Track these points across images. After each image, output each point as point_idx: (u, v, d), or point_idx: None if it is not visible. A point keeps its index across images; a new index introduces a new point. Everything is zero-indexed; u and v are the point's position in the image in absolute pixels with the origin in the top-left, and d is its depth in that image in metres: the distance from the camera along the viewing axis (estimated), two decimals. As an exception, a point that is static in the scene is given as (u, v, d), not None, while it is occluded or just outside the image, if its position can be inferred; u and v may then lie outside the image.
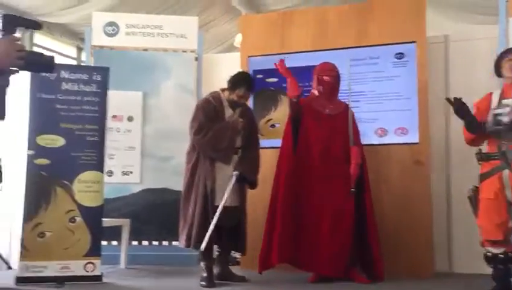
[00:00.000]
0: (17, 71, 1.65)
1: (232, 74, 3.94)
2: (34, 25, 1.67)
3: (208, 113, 3.81)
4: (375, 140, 4.40)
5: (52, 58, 1.72)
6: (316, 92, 4.04)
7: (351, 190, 3.79)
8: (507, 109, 3.13)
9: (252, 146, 3.98)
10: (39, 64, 1.68)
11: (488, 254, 3.20)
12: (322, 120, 3.97)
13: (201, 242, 3.58)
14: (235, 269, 4.05)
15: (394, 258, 4.10)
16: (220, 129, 3.78)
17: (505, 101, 3.20)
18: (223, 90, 3.97)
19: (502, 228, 3.13)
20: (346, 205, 3.78)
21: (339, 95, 4.11)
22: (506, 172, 3.12)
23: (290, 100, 3.95)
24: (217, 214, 3.60)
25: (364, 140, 4.13)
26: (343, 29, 4.58)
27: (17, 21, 1.72)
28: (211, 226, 3.58)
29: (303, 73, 4.29)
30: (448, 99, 3.33)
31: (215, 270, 3.93)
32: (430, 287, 3.73)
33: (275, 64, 3.96)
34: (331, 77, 3.99)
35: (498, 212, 3.14)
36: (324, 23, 4.66)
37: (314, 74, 4.09)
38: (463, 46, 4.54)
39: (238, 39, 6.09)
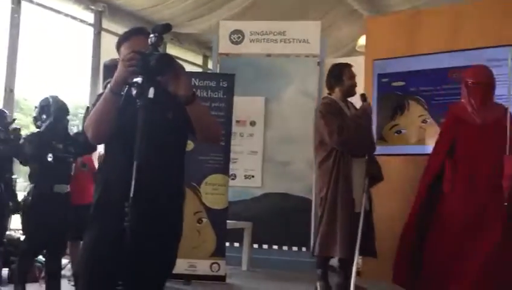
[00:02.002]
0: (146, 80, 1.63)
1: (325, 78, 3.89)
2: (163, 29, 1.69)
3: (336, 114, 3.74)
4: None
5: (163, 56, 1.63)
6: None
7: (504, 204, 3.39)
8: None
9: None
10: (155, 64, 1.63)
11: None
12: (474, 132, 3.49)
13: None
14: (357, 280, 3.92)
15: None
16: (356, 121, 3.69)
17: None
18: (330, 94, 3.88)
19: None
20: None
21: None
22: None
23: None
24: (361, 220, 3.51)
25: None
26: (481, 27, 4.22)
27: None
28: (359, 235, 3.50)
29: (434, 76, 4.02)
30: None
31: (337, 279, 3.84)
32: None
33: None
34: (483, 83, 3.55)
35: None
36: (459, 21, 4.33)
37: (463, 79, 3.69)
38: None
39: (361, 42, 5.93)
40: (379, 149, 4.55)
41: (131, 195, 1.53)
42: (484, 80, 3.46)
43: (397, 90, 4.57)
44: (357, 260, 3.67)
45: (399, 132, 4.55)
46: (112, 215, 1.65)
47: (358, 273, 4.29)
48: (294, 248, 4.99)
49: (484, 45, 4.16)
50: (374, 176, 3.71)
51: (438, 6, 4.46)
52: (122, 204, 1.55)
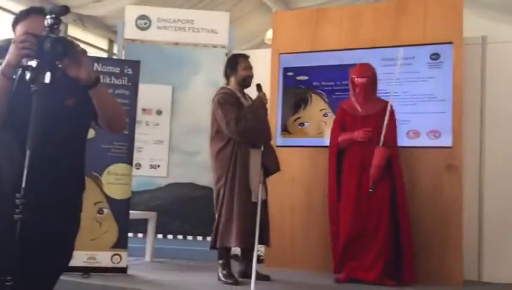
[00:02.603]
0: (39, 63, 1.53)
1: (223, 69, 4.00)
2: (60, 11, 1.60)
3: (234, 104, 3.79)
4: (407, 142, 4.31)
5: (59, 39, 1.54)
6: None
7: (369, 189, 3.80)
8: None
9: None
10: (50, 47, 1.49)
11: None
12: (357, 122, 3.95)
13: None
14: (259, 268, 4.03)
15: (423, 263, 4.02)
16: (254, 111, 3.75)
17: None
18: (227, 84, 3.95)
19: None
20: (382, 210, 3.82)
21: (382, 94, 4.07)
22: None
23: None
24: (258, 210, 3.60)
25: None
26: (377, 28, 4.50)
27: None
28: (257, 223, 3.57)
29: (335, 72, 4.21)
30: None
31: (239, 267, 3.92)
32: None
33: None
34: (364, 79, 3.94)
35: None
36: (358, 21, 4.58)
37: (349, 76, 4.05)
38: (501, 48, 4.41)
39: (269, 35, 6.05)
40: (283, 141, 4.72)
41: (23, 186, 1.46)
42: (366, 76, 3.86)
43: (301, 84, 4.74)
44: (259, 248, 3.78)
45: (302, 124, 4.73)
46: (3, 207, 1.56)
47: (260, 260, 4.42)
48: (199, 238, 5.00)
49: (380, 45, 4.45)
50: (270, 166, 3.82)
51: (340, 5, 4.66)
52: (14, 195, 1.47)
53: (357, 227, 3.83)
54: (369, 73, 3.99)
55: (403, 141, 4.27)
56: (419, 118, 4.32)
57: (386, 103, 3.98)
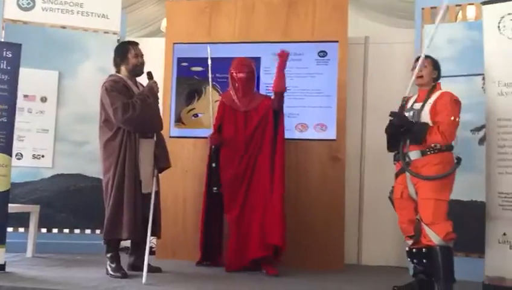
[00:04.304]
0: None
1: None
2: None
3: (122, 92, 3.68)
4: (296, 135, 4.50)
5: None
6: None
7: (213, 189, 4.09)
8: (411, 113, 3.30)
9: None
10: None
11: (414, 250, 3.31)
12: (239, 117, 4.08)
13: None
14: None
15: (307, 250, 4.24)
16: (142, 99, 3.66)
17: (415, 106, 3.36)
18: (117, 72, 3.85)
19: (412, 224, 3.30)
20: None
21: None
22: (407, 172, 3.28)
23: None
24: (152, 201, 3.56)
25: (286, 134, 4.20)
26: (270, 23, 4.62)
27: None
28: (151, 215, 3.51)
29: (228, 64, 4.26)
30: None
31: (129, 260, 3.85)
32: (340, 278, 3.89)
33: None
34: (244, 73, 4.04)
35: (407, 210, 3.31)
36: (251, 15, 4.66)
37: (229, 70, 4.13)
38: (381, 49, 4.75)
39: (164, 24, 5.94)
40: (177, 132, 4.69)
41: None
42: (246, 71, 4.00)
43: (196, 75, 4.73)
44: (151, 239, 3.74)
45: (196, 115, 4.73)
46: None
47: (152, 252, 4.37)
48: (88, 231, 4.82)
49: (271, 40, 4.57)
50: (161, 162, 3.78)
51: (235, -3, 4.71)
52: None
53: (237, 216, 3.98)
54: (248, 68, 4.10)
55: (292, 134, 4.46)
56: (307, 111, 4.52)
57: (266, 97, 4.12)
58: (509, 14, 3.55)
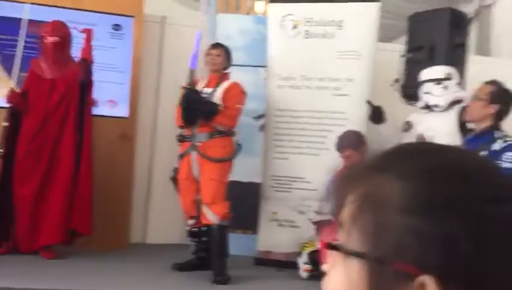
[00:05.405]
0: None
1: None
2: None
3: None
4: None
5: None
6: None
7: None
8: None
9: None
10: None
11: (194, 229, 3.42)
12: (43, 85, 3.69)
13: None
14: None
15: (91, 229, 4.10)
16: None
17: (205, 90, 3.50)
18: None
19: (195, 205, 3.44)
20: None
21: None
22: (194, 154, 3.43)
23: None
24: None
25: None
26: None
27: None
28: None
29: (10, 25, 3.79)
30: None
31: None
32: (123, 257, 3.87)
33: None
34: (56, 38, 3.66)
35: (190, 191, 3.45)
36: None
37: (40, 35, 3.69)
38: (177, 30, 4.77)
39: None
40: None
41: None
42: (58, 35, 3.68)
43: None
44: None
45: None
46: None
47: None
48: None
49: (62, 5, 4.22)
50: None
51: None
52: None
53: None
54: (61, 32, 3.73)
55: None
56: (99, 87, 4.31)
57: (76, 63, 3.83)
58: (289, 14, 3.91)
